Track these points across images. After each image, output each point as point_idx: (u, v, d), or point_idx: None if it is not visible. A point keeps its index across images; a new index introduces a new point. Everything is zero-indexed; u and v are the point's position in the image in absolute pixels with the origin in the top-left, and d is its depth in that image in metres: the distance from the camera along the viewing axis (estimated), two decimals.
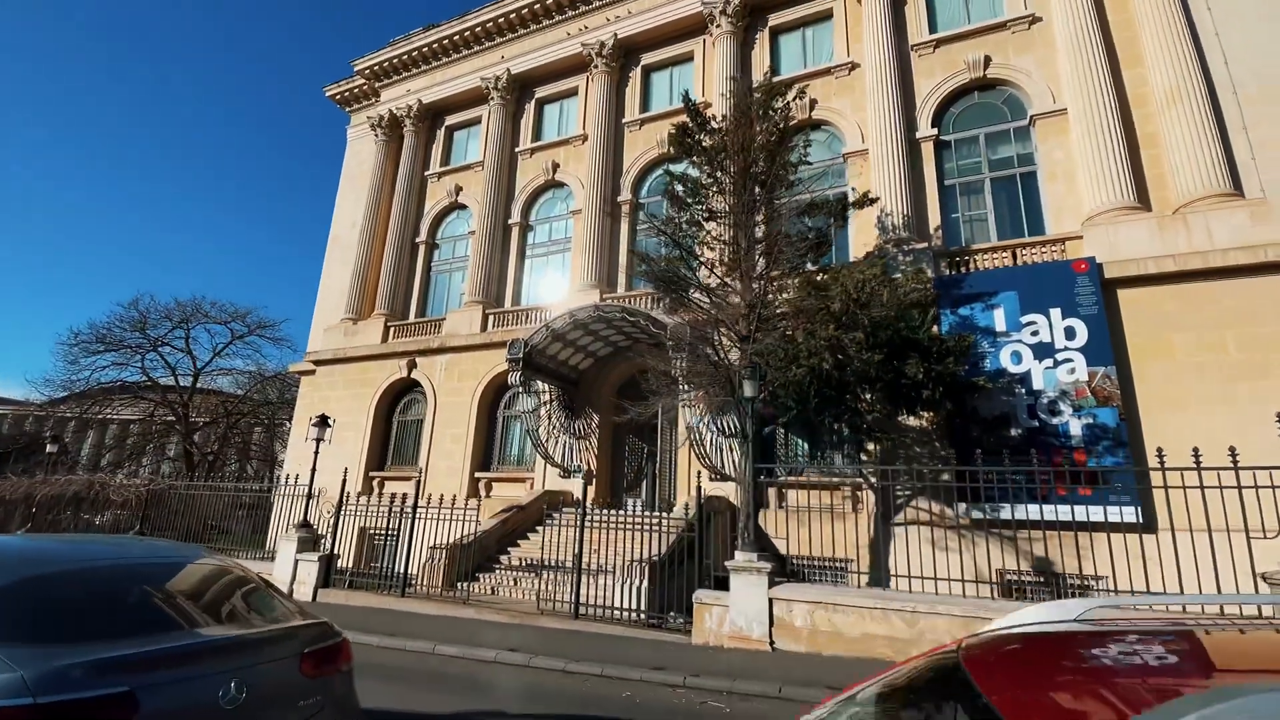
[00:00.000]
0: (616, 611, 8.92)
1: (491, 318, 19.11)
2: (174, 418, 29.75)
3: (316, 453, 12.87)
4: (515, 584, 11.41)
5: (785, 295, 11.23)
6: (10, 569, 2.46)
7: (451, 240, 22.28)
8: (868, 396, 10.59)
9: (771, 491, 13.72)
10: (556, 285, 19.32)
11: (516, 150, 21.17)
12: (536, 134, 21.22)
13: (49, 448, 15.50)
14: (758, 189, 10.97)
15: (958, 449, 11.77)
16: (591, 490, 15.59)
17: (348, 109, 26.79)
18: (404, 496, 14.46)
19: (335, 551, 11.94)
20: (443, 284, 22.12)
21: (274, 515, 18.00)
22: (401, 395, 20.39)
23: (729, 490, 13.50)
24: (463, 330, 19.14)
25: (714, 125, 11.65)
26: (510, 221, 20.52)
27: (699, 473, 14.21)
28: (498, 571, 11.98)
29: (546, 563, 11.80)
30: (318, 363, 21.95)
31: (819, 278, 9.54)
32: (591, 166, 18.85)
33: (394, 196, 23.02)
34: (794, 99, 11.45)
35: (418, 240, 22.47)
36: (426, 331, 20.24)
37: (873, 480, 12.32)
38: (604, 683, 6.00)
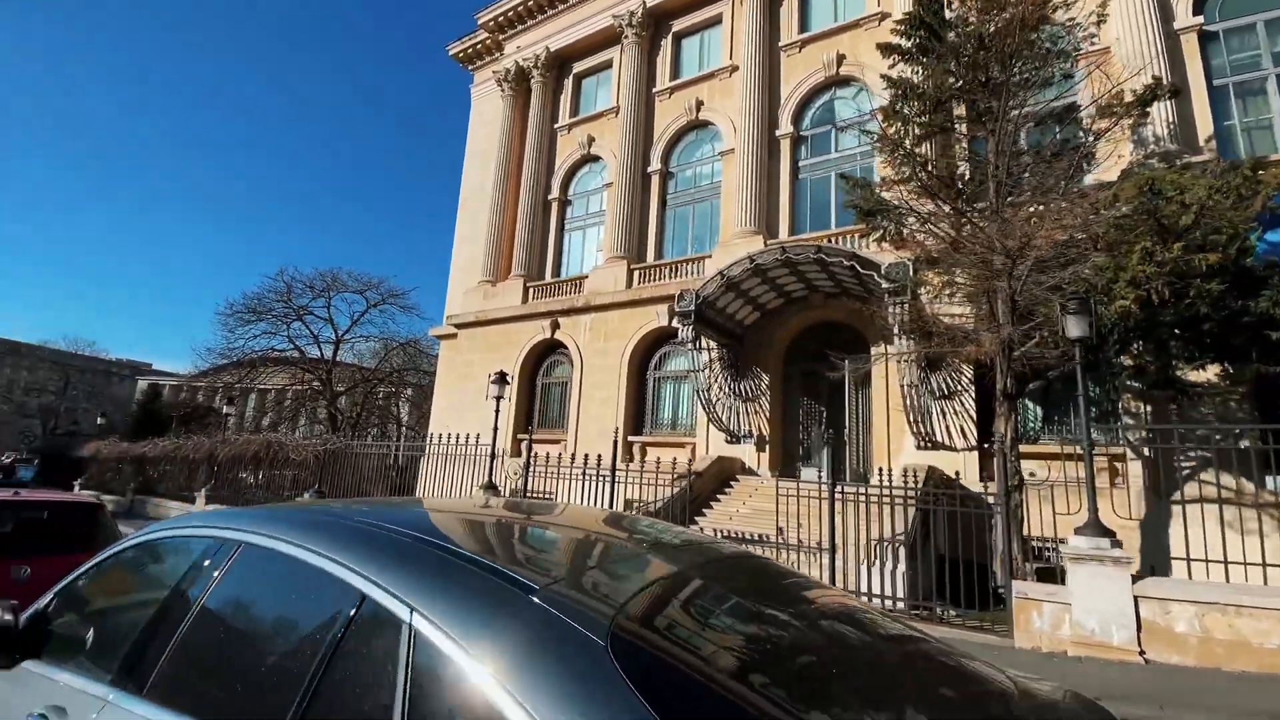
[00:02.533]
0: (873, 599, 7.51)
1: (637, 274, 17.94)
2: (319, 384, 31.25)
3: (498, 411, 12.26)
4: None
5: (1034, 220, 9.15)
6: (637, 568, 1.31)
7: (584, 195, 21.27)
8: (1165, 341, 8.38)
9: (996, 461, 11.76)
10: (705, 235, 17.84)
11: (654, 91, 19.62)
12: (675, 71, 19.55)
13: (225, 409, 16.18)
14: (1012, 91, 8.85)
15: (1268, 411, 9.37)
16: (765, 457, 14.24)
17: (471, 67, 26.20)
18: (559, 458, 13.68)
19: None
20: (577, 241, 21.25)
21: (422, 476, 18.04)
22: (545, 356, 19.82)
23: (942, 460, 11.71)
24: (607, 288, 18.12)
25: (948, 16, 9.54)
26: (649, 170, 19.12)
27: (895, 439, 12.50)
28: None
29: (745, 535, 10.59)
30: (459, 326, 21.80)
31: (1158, 184, 7.36)
32: (743, 100, 17.00)
33: (523, 154, 22.25)
34: None
35: (550, 197, 21.63)
36: (568, 291, 19.45)
37: (1144, 449, 10.12)
38: None
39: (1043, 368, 8.14)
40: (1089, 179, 11.72)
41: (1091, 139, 9.11)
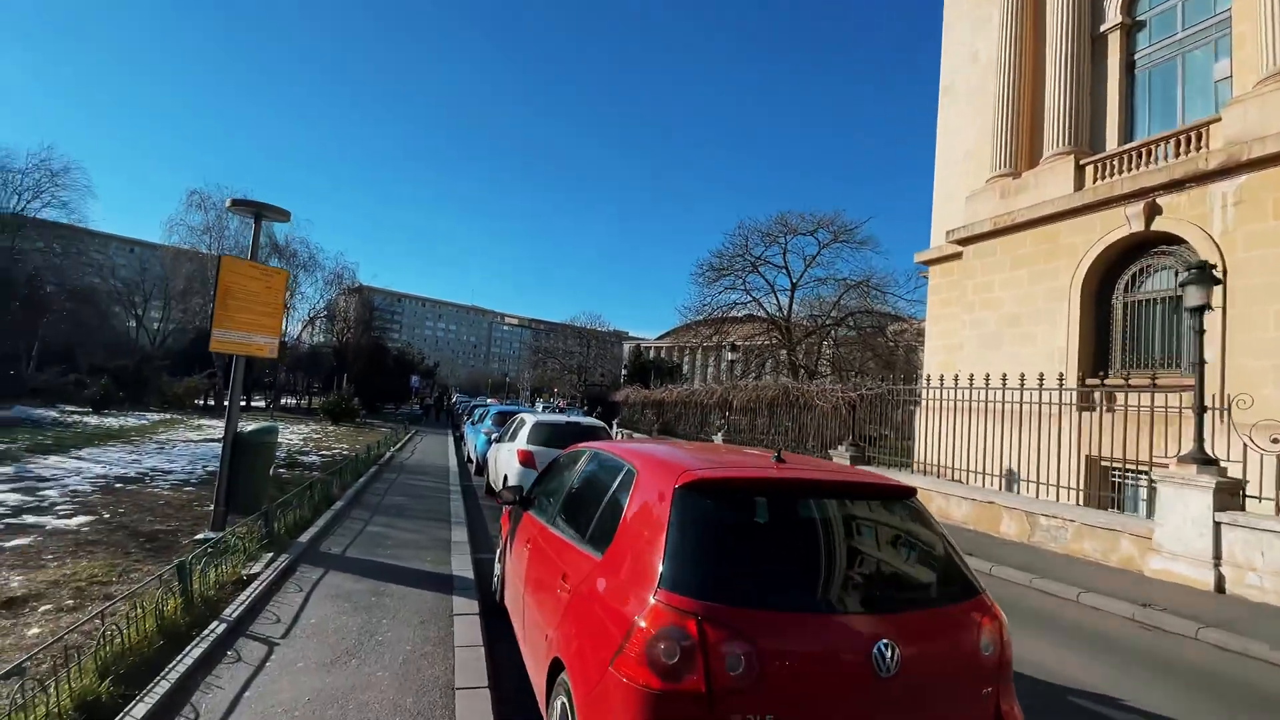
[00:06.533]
0: None
1: None
2: (779, 334, 30.81)
3: (1200, 330, 7.41)
4: None
5: None
6: None
7: (1168, 6, 13.57)
8: None
9: None
10: None
11: None
12: None
13: (729, 356, 16.00)
14: None
15: None
16: None
17: None
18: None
19: None
20: (1159, 82, 13.84)
21: (920, 425, 14.39)
22: (1125, 262, 13.42)
23: None
24: (1272, 125, 10.62)
25: None
26: None
27: None
28: None
29: None
30: (963, 241, 16.99)
31: None
32: None
33: None
34: None
35: (1101, 27, 14.64)
36: (1175, 152, 12.51)
37: None
38: None
39: None
40: None
41: None
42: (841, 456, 12.72)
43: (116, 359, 30.96)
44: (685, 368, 70.13)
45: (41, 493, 7.82)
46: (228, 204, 6.29)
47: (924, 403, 14.69)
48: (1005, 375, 11.92)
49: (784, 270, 31.27)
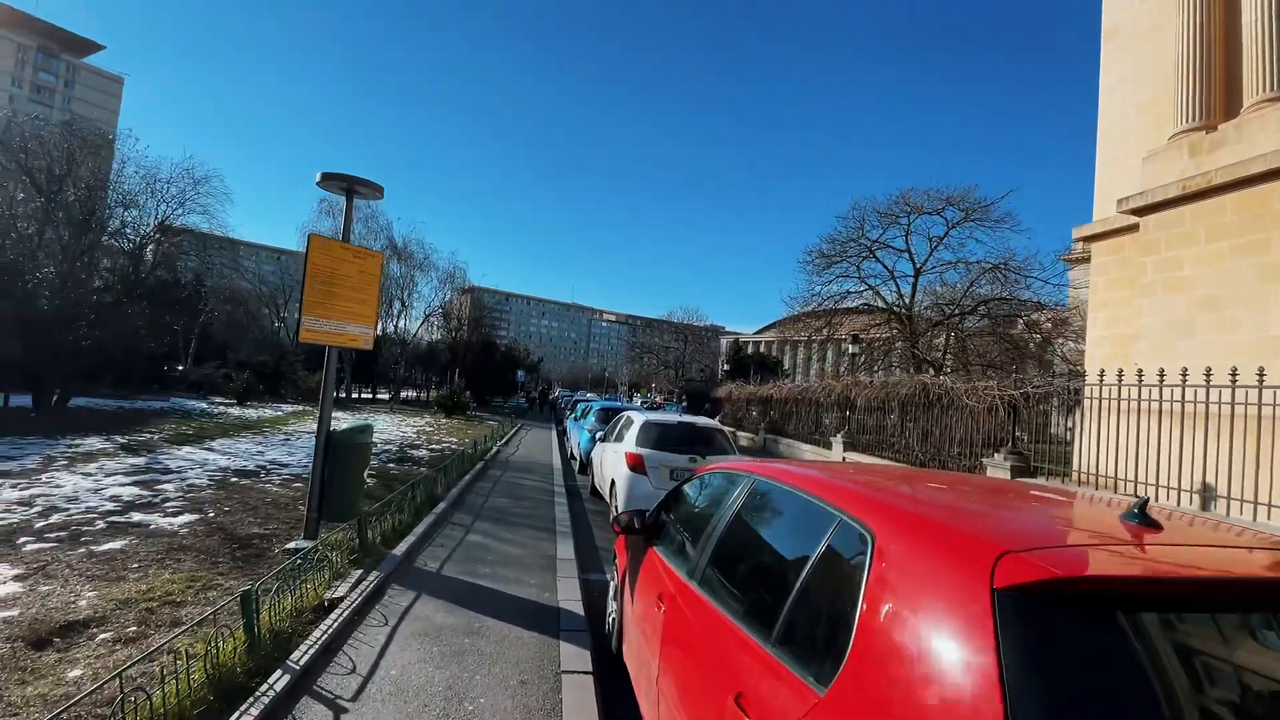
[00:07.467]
0: None
1: None
2: (899, 324, 28.14)
3: None
4: None
5: None
6: None
7: None
8: None
9: None
10: None
11: None
12: None
13: (851, 349, 14.39)
14: None
15: None
16: None
17: None
18: None
19: None
20: None
21: (1083, 428, 11.97)
22: None
23: None
24: None
25: None
26: None
27: None
28: None
29: None
30: (1142, 210, 14.15)
31: None
32: None
33: None
34: None
35: None
36: None
37: None
38: None
39: None
40: None
41: None
42: (999, 467, 10.84)
43: (261, 355, 33.92)
44: (786, 363, 67.49)
45: (159, 486, 7.95)
46: (318, 178, 5.82)
47: (1089, 401, 12.40)
48: (1235, 370, 9.59)
49: (905, 254, 28.49)
